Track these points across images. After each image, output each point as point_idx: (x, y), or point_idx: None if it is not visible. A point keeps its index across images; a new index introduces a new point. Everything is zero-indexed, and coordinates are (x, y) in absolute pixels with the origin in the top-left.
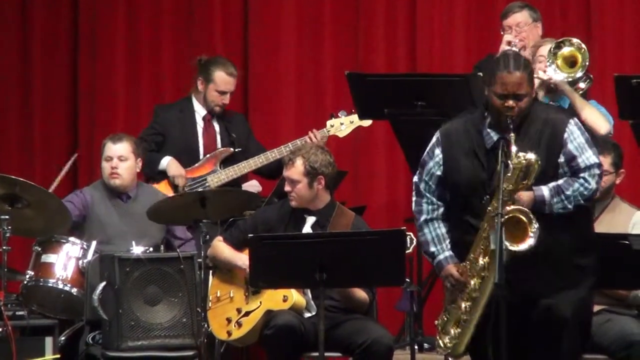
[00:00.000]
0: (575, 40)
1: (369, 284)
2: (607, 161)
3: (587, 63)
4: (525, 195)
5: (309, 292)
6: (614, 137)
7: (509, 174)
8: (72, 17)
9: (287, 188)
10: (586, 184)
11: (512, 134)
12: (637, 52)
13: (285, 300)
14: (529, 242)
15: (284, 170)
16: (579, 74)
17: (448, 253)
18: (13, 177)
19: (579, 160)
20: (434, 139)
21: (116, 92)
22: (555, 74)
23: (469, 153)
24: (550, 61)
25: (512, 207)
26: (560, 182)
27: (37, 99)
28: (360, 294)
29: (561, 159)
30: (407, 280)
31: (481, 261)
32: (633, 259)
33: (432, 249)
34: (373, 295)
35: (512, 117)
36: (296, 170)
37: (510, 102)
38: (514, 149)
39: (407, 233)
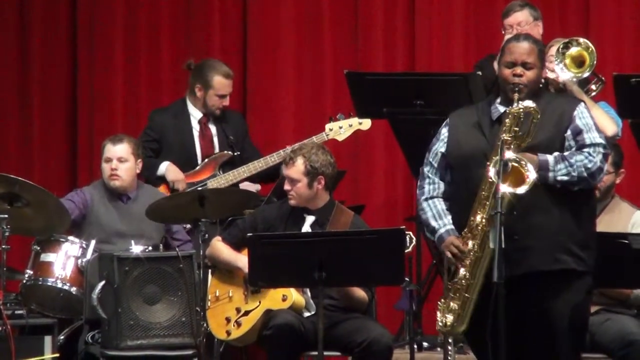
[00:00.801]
0: (582, 40)
1: (368, 283)
2: (609, 150)
3: (595, 63)
4: (528, 157)
5: (308, 291)
6: None
7: (507, 122)
8: (70, 17)
9: (286, 187)
10: (590, 157)
11: (516, 95)
12: (636, 51)
13: (284, 300)
14: (525, 187)
15: (284, 169)
16: (586, 74)
17: (450, 227)
18: (12, 176)
19: (585, 136)
20: (444, 122)
21: (115, 93)
22: (563, 72)
23: (473, 125)
24: (558, 60)
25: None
26: (565, 153)
27: (36, 99)
28: (360, 293)
29: (568, 133)
30: (407, 279)
31: (479, 219)
32: (633, 258)
33: (433, 223)
34: (372, 294)
35: (519, 85)
36: (296, 169)
37: (518, 70)
38: (514, 104)
39: (407, 232)
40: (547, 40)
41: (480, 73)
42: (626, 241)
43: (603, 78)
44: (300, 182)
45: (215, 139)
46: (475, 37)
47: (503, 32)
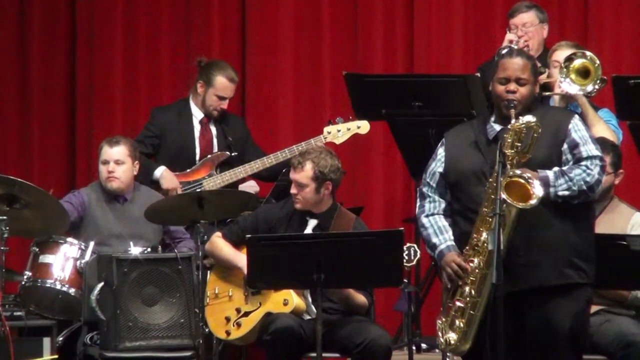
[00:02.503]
0: (579, 52)
1: (367, 284)
2: (606, 161)
3: (600, 73)
4: (529, 173)
5: (308, 296)
6: None
7: (509, 138)
8: (69, 19)
9: (293, 190)
10: (589, 171)
11: (513, 110)
12: (634, 52)
13: (285, 304)
14: (532, 202)
15: (292, 173)
16: (596, 86)
17: (450, 243)
18: (11, 177)
19: (581, 149)
20: (440, 142)
21: (114, 94)
22: (570, 87)
23: (470, 144)
24: (563, 76)
25: (511, 172)
26: (563, 167)
27: (35, 100)
28: (360, 298)
29: (564, 147)
30: (405, 280)
31: (484, 235)
32: (631, 259)
33: (434, 239)
34: (372, 299)
35: (513, 101)
36: (305, 174)
37: (512, 87)
38: (513, 120)
39: (412, 245)
40: (548, 43)
41: (479, 75)
42: (624, 242)
43: (604, 77)
44: (308, 187)
45: (215, 140)
46: (474, 38)
47: (508, 30)
